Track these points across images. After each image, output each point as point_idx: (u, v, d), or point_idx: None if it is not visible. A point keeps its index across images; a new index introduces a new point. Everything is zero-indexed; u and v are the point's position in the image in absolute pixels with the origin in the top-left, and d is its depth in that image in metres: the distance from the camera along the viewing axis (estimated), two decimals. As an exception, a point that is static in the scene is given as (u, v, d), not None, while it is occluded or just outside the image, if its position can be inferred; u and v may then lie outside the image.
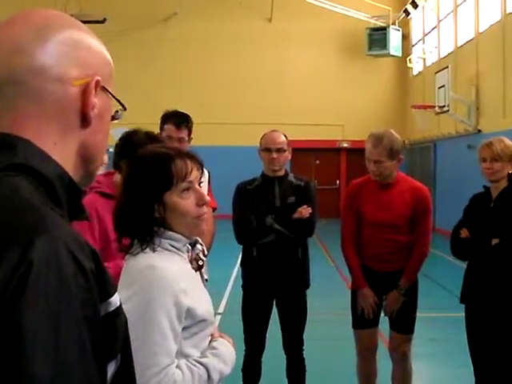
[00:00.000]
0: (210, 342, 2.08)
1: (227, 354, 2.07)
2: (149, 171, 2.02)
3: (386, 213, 4.16)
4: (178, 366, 1.94)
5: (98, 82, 1.05)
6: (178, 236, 2.05)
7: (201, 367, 1.97)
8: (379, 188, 4.22)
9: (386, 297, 4.26)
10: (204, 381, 1.97)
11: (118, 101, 1.14)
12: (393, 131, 4.21)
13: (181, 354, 1.99)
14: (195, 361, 1.99)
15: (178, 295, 1.94)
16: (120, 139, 3.28)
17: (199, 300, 2.04)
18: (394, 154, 4.09)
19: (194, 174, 2.05)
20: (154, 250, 2.01)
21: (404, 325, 4.28)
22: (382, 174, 4.13)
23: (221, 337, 2.14)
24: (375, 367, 4.44)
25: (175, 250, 2.05)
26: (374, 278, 4.23)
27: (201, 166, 2.10)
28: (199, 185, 2.09)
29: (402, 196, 4.17)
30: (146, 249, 2.01)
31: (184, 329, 1.98)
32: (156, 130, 4.43)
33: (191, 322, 1.99)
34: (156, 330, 1.90)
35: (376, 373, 4.45)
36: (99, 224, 3.08)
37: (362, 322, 4.30)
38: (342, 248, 4.38)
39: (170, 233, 2.04)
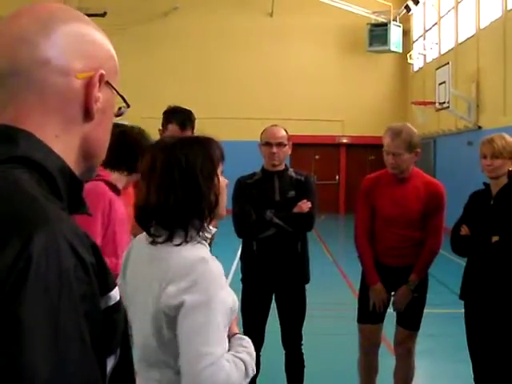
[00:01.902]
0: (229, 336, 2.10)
1: (253, 352, 2.11)
2: (197, 153, 2.06)
3: (400, 208, 4.16)
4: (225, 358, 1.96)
5: (102, 76, 1.05)
6: (210, 227, 2.09)
7: (239, 361, 2.00)
8: (394, 182, 4.23)
9: (395, 292, 4.27)
10: (242, 374, 2.00)
11: (122, 97, 1.13)
12: (410, 125, 4.25)
13: None
14: (232, 354, 2.00)
15: (222, 290, 1.99)
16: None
17: (230, 292, 2.08)
18: (411, 147, 4.11)
19: None
20: (195, 242, 2.04)
21: (411, 321, 4.29)
22: (400, 167, 4.14)
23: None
24: (377, 363, 4.45)
25: (204, 241, 2.09)
26: (383, 273, 4.24)
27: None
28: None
29: (416, 191, 4.17)
30: (188, 241, 2.02)
31: None
32: (155, 124, 4.43)
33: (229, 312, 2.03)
34: (213, 322, 1.93)
35: (377, 369, 4.46)
36: (109, 218, 3.04)
37: (368, 316, 4.31)
38: (355, 243, 4.38)
39: (204, 224, 2.06)
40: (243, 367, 1.99)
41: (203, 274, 1.96)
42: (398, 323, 4.35)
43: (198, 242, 2.05)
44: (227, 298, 2.00)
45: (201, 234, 2.05)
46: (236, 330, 2.12)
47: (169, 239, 2.02)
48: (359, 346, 4.46)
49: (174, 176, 2.02)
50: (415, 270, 4.19)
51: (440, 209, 4.22)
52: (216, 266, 2.02)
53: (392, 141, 4.11)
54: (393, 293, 4.28)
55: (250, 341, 2.11)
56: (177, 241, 2.01)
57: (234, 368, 1.95)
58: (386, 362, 4.48)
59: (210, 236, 2.11)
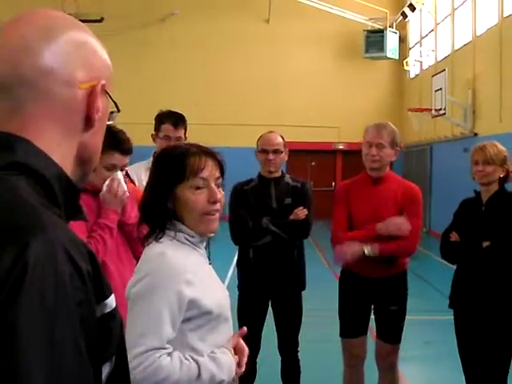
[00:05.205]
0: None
1: (225, 360, 2.08)
2: (165, 164, 2.15)
3: (376, 210, 4.04)
4: (169, 354, 1.98)
5: (103, 86, 1.06)
6: (192, 231, 2.13)
7: (192, 362, 2.01)
8: (370, 185, 4.11)
9: (375, 306, 4.12)
10: (193, 377, 1.99)
11: (115, 103, 1.14)
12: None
13: (187, 346, 2.04)
14: (190, 356, 2.02)
15: (181, 285, 2.00)
16: None
17: (207, 293, 2.08)
18: (394, 143, 4.06)
19: (209, 171, 2.12)
20: (169, 241, 2.10)
21: (392, 334, 4.16)
22: (381, 161, 4.03)
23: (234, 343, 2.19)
24: (362, 377, 4.27)
25: (191, 244, 2.13)
26: (362, 285, 4.09)
27: (220, 165, 2.18)
28: (218, 184, 2.16)
29: (392, 193, 4.07)
30: (160, 239, 2.10)
31: (189, 320, 2.03)
32: (152, 129, 4.43)
33: (196, 312, 2.04)
34: (150, 313, 1.97)
35: (363, 383, 4.28)
36: None
37: (351, 330, 4.18)
38: (332, 239, 4.12)
39: (184, 227, 2.12)
40: (194, 367, 2.00)
41: (157, 267, 2.03)
42: (379, 337, 4.21)
43: (181, 243, 2.11)
44: (186, 294, 2.00)
45: (181, 234, 2.11)
46: (228, 345, 2.13)
47: (148, 237, 2.17)
48: (344, 360, 4.28)
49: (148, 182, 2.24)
50: (380, 243, 3.93)
51: (417, 212, 4.10)
52: (176, 262, 2.04)
53: (377, 132, 4.03)
54: (373, 306, 4.13)
55: (225, 350, 2.11)
56: (151, 239, 2.14)
57: (176, 365, 1.97)
58: (373, 375, 4.37)
59: (194, 240, 2.14)
